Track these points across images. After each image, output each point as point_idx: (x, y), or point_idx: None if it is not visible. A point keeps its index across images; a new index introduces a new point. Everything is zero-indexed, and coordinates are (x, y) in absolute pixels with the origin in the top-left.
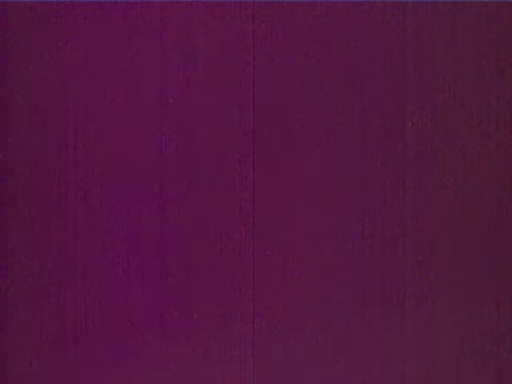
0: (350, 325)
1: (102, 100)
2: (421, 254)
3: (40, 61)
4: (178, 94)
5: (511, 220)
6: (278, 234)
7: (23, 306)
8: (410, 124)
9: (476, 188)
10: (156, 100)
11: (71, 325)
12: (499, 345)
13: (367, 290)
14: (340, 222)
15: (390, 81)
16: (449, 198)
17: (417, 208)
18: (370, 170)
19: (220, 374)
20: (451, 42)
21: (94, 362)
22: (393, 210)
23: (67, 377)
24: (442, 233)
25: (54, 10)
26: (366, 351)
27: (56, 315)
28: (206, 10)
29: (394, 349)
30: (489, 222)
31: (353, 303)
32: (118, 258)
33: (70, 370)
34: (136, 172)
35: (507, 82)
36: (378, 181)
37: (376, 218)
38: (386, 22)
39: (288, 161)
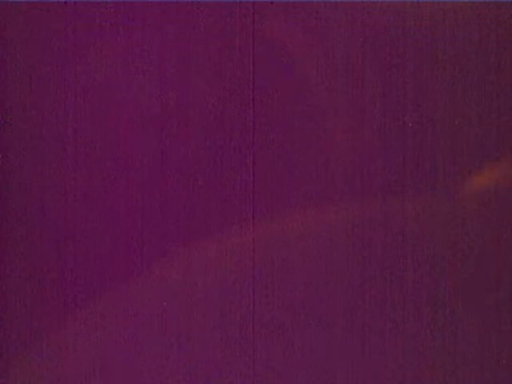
0: (349, 325)
1: (102, 99)
2: (421, 254)
3: (39, 60)
4: (178, 93)
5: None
6: (278, 233)
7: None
8: (409, 124)
9: (477, 189)
10: (156, 99)
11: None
12: (500, 347)
13: (367, 291)
14: (339, 222)
15: (390, 80)
16: (450, 199)
17: (417, 208)
18: (370, 170)
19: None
20: (451, 42)
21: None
22: (393, 209)
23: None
24: (442, 234)
25: (53, 10)
26: (367, 352)
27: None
28: (205, 9)
29: (394, 348)
30: (490, 224)
31: (353, 303)
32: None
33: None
34: (135, 173)
35: (508, 82)
36: (378, 180)
37: (376, 218)
38: (386, 22)
39: (288, 162)
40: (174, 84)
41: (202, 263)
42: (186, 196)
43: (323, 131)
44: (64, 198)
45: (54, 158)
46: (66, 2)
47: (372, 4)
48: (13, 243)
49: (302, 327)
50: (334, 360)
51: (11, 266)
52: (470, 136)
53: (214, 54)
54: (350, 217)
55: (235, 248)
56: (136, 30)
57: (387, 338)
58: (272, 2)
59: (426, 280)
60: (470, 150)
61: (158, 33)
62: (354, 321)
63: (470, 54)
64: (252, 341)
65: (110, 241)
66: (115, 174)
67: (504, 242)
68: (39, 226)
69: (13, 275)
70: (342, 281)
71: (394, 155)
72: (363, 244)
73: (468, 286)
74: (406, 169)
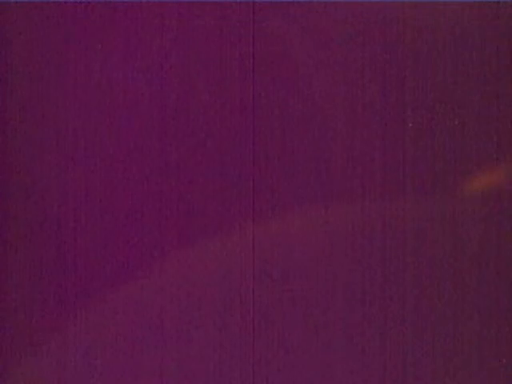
0: (349, 325)
1: (102, 100)
2: (421, 254)
3: (40, 60)
4: (178, 93)
5: (511, 220)
6: (278, 233)
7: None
8: (409, 124)
9: (477, 189)
10: (156, 99)
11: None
12: (499, 348)
13: (367, 294)
14: (339, 221)
15: (390, 80)
16: (450, 198)
17: (417, 208)
18: (370, 170)
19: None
20: (451, 42)
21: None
22: (393, 209)
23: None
24: (441, 233)
25: (53, 10)
26: (366, 354)
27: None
28: (205, 9)
29: (394, 348)
30: (489, 224)
31: (353, 303)
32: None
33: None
34: (135, 172)
35: (508, 82)
36: (378, 181)
37: (376, 218)
38: (386, 22)
39: (288, 162)
40: (174, 83)
41: (201, 263)
42: (186, 196)
43: (323, 131)
44: (64, 198)
45: (54, 158)
46: (66, 2)
47: (372, 4)
48: (13, 243)
49: (301, 327)
50: (333, 360)
51: (11, 265)
52: (469, 136)
53: (214, 53)
54: (349, 217)
55: (235, 248)
56: (136, 29)
57: (387, 338)
58: (272, 2)
59: (425, 280)
60: (469, 150)
61: (158, 33)
62: (353, 320)
63: (469, 53)
64: (252, 341)
65: (110, 241)
66: (115, 173)
67: (504, 242)
68: (39, 226)
69: (13, 275)
70: (342, 280)
71: (393, 155)
72: (363, 244)
73: (468, 287)
74: (406, 169)
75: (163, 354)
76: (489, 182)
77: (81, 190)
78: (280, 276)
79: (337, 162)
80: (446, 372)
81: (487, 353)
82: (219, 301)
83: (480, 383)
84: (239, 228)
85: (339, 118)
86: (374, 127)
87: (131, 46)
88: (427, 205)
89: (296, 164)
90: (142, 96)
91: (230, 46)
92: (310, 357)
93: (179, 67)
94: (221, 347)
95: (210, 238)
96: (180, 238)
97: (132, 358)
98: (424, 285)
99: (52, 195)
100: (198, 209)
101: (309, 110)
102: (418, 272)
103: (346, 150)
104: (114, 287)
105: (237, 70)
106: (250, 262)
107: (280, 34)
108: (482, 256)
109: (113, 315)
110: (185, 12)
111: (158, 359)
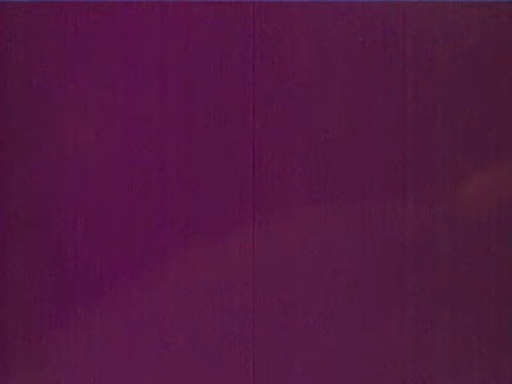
0: (349, 325)
1: (102, 99)
2: (420, 258)
3: (40, 61)
4: (178, 93)
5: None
6: (278, 233)
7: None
8: (409, 124)
9: (477, 189)
10: (156, 99)
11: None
12: (499, 351)
13: (366, 291)
14: (339, 224)
15: (390, 80)
16: (450, 198)
17: (417, 208)
18: (370, 171)
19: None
20: (451, 42)
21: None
22: (393, 210)
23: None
24: (441, 233)
25: (53, 11)
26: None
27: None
28: (206, 9)
29: (394, 348)
30: (490, 223)
31: (353, 303)
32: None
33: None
34: (136, 172)
35: (507, 82)
36: (378, 181)
37: (376, 218)
38: (386, 22)
39: (288, 163)
40: (175, 84)
41: (201, 265)
42: (185, 198)
43: (323, 131)
44: (64, 199)
45: (54, 158)
46: (66, 2)
47: (372, 4)
48: (13, 243)
49: (302, 329)
50: (333, 360)
51: (11, 265)
52: (469, 136)
53: (214, 53)
54: (349, 217)
55: (235, 249)
56: (136, 29)
57: (387, 338)
58: (272, 2)
59: (426, 281)
60: (469, 150)
61: (158, 33)
62: (354, 320)
63: (470, 54)
64: (252, 342)
65: (110, 242)
66: (115, 174)
67: (504, 242)
68: (39, 227)
69: (13, 275)
70: (342, 281)
71: (393, 155)
72: (363, 244)
73: (468, 286)
74: (406, 169)
75: (163, 354)
76: (489, 182)
77: (81, 191)
78: (280, 278)
79: (337, 162)
80: (445, 372)
81: (487, 353)
82: (219, 303)
83: (480, 383)
84: (239, 230)
85: (339, 118)
86: (374, 127)
87: (131, 46)
88: (427, 205)
89: (296, 164)
90: (142, 96)
91: (230, 45)
92: (310, 358)
93: (179, 67)
94: (221, 349)
95: (210, 240)
96: (180, 240)
97: (132, 358)
98: (424, 285)
99: (52, 195)
100: (198, 211)
101: (309, 110)
102: (419, 272)
103: (346, 150)
104: (114, 288)
105: (237, 70)
106: (249, 263)
107: (280, 34)
108: (482, 255)
109: (113, 316)
110: (185, 12)
111: (158, 360)
